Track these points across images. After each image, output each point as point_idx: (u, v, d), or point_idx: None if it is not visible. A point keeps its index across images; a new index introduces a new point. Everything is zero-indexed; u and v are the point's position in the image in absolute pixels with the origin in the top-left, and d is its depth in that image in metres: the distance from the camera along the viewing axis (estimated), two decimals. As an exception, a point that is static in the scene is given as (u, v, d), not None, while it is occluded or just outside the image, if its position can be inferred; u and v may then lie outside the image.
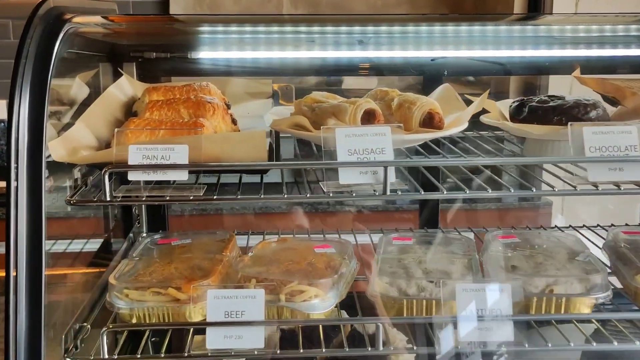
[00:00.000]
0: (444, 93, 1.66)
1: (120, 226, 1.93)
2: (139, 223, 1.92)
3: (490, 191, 1.32)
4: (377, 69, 1.83)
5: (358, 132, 1.28)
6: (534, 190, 1.34)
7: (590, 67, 2.00)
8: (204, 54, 1.80)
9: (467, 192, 1.33)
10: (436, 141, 1.60)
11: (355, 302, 1.50)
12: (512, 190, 1.33)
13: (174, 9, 4.15)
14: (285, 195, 1.28)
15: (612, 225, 1.95)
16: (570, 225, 1.98)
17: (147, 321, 1.36)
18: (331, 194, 1.28)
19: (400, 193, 1.28)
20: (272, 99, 1.78)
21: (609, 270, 1.59)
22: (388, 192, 1.27)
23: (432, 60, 1.68)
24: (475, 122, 1.61)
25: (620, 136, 1.31)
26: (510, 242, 1.61)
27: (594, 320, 1.39)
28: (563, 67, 1.98)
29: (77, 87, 1.62)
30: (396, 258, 1.54)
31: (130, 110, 1.61)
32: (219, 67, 1.82)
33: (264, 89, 1.81)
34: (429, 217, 2.02)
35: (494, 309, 1.29)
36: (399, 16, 1.81)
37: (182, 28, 1.68)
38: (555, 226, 1.98)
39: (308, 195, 1.28)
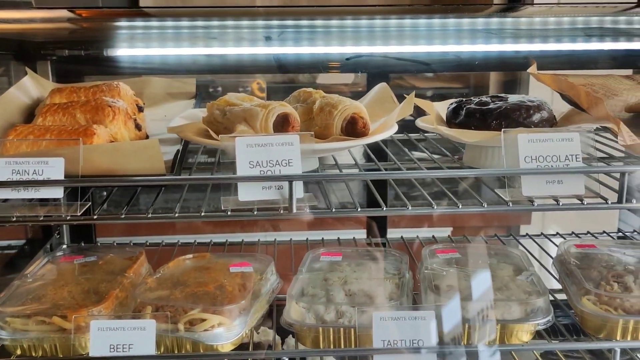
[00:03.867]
0: (380, 94, 1.50)
1: (39, 234, 1.78)
2: (58, 234, 1.77)
3: (435, 207, 1.18)
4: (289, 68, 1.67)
5: (261, 142, 1.13)
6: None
7: (562, 61, 1.87)
8: (122, 52, 1.64)
9: (409, 207, 1.19)
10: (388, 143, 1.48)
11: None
12: (460, 207, 1.17)
13: (144, 1, 3.99)
14: (177, 215, 1.13)
15: (588, 232, 1.83)
16: (542, 233, 1.85)
17: (33, 354, 1.21)
18: (229, 212, 1.12)
19: (308, 211, 1.13)
20: (195, 100, 1.62)
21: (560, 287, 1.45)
22: (294, 210, 1.12)
23: (347, 59, 1.52)
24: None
25: (560, 144, 1.16)
26: (450, 257, 1.46)
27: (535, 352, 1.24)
28: (522, 62, 1.83)
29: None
30: (321, 277, 1.39)
31: (33, 114, 1.46)
32: (138, 66, 1.67)
33: (187, 89, 1.66)
34: (378, 224, 1.88)
35: (415, 340, 1.14)
36: (310, 9, 1.66)
37: (93, 24, 1.53)
38: (527, 234, 1.84)
39: (202, 214, 1.13)
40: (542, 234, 1.85)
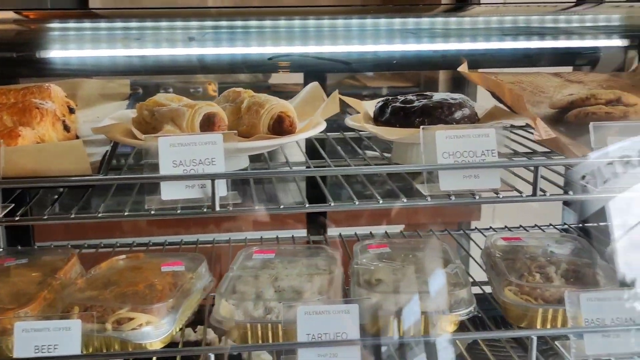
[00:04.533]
0: (311, 93, 1.53)
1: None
2: (-6, 236, 1.75)
3: (380, 202, 1.22)
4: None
5: (185, 141, 1.15)
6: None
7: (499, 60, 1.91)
8: (55, 53, 1.63)
9: (357, 202, 1.23)
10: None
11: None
12: (405, 200, 1.20)
13: (94, 2, 3.94)
14: (100, 215, 1.14)
15: (535, 225, 1.87)
16: (490, 227, 1.89)
17: (-40, 357, 1.21)
18: (152, 212, 1.14)
19: (231, 209, 1.15)
20: (128, 101, 1.62)
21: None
22: (217, 209, 1.14)
23: (268, 59, 1.54)
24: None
25: (476, 140, 1.19)
26: (381, 252, 1.49)
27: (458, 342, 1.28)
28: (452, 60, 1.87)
29: None
30: (253, 275, 1.40)
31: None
32: (72, 67, 1.65)
33: (121, 90, 1.66)
34: (319, 222, 1.91)
35: (339, 333, 1.17)
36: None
37: (34, 26, 1.52)
38: (476, 228, 1.88)
39: (125, 214, 1.14)
40: (490, 227, 1.90)
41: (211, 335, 1.63)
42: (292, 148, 1.60)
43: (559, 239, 1.58)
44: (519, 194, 1.21)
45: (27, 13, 1.71)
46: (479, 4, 3.39)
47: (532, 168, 1.22)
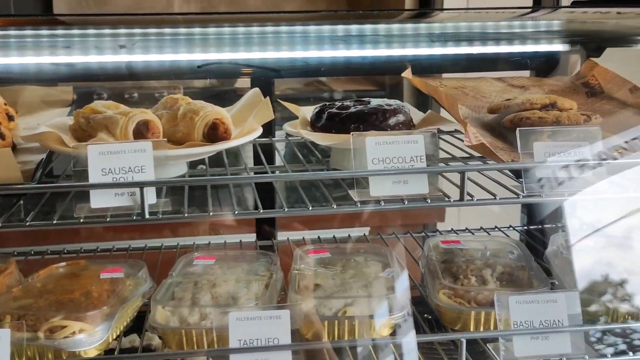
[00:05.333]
0: (252, 99, 1.54)
1: None
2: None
3: (334, 206, 1.23)
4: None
5: (114, 149, 1.15)
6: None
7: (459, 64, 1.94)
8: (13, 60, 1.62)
9: (310, 208, 1.24)
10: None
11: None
12: (359, 205, 1.21)
13: (58, 6, 3.90)
14: (28, 223, 1.14)
15: (495, 227, 1.89)
16: (437, 230, 1.92)
17: None
18: (81, 220, 1.14)
19: (160, 216, 1.15)
20: (70, 108, 1.62)
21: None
22: (147, 216, 1.14)
23: (198, 67, 1.55)
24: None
25: (405, 146, 1.21)
26: (321, 257, 1.51)
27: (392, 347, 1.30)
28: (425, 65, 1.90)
29: None
30: (192, 281, 1.41)
31: None
32: (14, 74, 1.65)
33: (64, 97, 1.65)
34: (266, 225, 1.92)
35: (271, 339, 1.18)
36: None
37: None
38: (437, 230, 1.92)
39: (54, 222, 1.14)
40: (452, 229, 1.92)
41: (156, 340, 1.63)
42: (248, 151, 1.61)
43: (499, 242, 1.61)
44: (447, 199, 1.23)
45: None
46: (442, 9, 3.42)
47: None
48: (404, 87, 3.64)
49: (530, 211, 1.99)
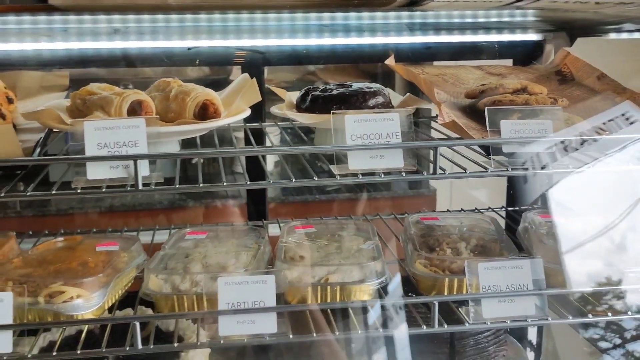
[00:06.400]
0: (241, 84, 1.62)
1: None
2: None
3: (315, 179, 1.31)
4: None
5: (109, 125, 1.23)
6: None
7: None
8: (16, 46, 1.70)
9: (294, 180, 1.32)
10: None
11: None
12: (338, 178, 1.28)
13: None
14: (29, 193, 1.22)
15: (475, 208, 1.97)
16: (420, 210, 1.99)
17: None
18: (79, 190, 1.22)
19: (153, 187, 1.24)
20: (67, 92, 1.70)
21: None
22: (140, 186, 1.23)
23: (188, 49, 1.64)
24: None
25: (381, 124, 1.30)
26: (307, 232, 1.60)
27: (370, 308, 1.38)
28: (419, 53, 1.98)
29: None
30: (184, 253, 1.50)
31: None
32: (12, 59, 1.73)
33: (60, 82, 1.73)
34: (257, 208, 2.00)
35: (257, 302, 1.27)
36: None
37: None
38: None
39: (53, 192, 1.22)
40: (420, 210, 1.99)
41: (149, 313, 1.71)
42: (240, 141, 1.67)
43: (474, 219, 1.70)
44: (421, 173, 1.32)
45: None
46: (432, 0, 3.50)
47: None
48: (396, 78, 3.74)
49: (511, 195, 2.09)
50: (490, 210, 2.01)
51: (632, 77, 1.75)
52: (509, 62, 2.08)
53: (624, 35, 1.88)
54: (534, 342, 1.95)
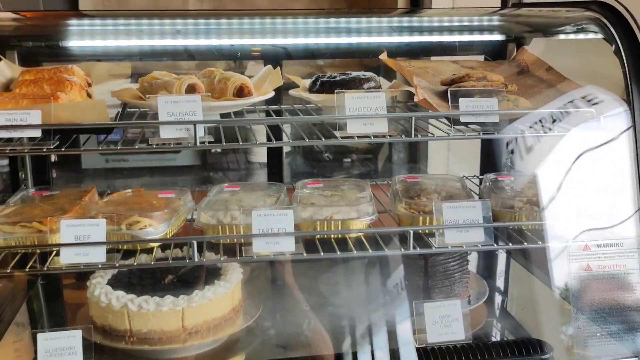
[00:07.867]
0: (267, 73, 2.10)
1: (9, 189, 2.30)
2: (25, 185, 2.30)
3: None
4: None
5: (175, 100, 1.71)
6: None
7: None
8: (73, 43, 2.18)
9: (307, 140, 1.80)
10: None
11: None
12: (340, 139, 1.76)
13: (84, 4, 4.45)
14: (119, 147, 1.70)
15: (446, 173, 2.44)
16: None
17: (19, 251, 1.76)
18: (154, 146, 1.70)
19: (207, 144, 1.72)
20: (130, 79, 2.18)
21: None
22: (197, 144, 1.70)
23: (231, 45, 2.12)
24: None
25: (372, 100, 1.77)
26: (316, 187, 2.07)
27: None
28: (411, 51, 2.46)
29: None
30: (224, 199, 1.98)
31: (8, 89, 1.99)
32: (87, 53, 2.21)
33: (124, 72, 2.22)
34: (276, 170, 2.47)
35: (280, 228, 1.74)
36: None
37: (50, 23, 2.07)
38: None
39: (136, 147, 1.70)
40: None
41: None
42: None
43: (447, 179, 2.18)
44: (400, 137, 1.80)
45: (50, 13, 2.26)
46: (430, 7, 3.98)
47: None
48: (397, 75, 4.21)
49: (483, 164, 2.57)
50: (465, 178, 2.48)
51: (573, 70, 2.22)
52: (480, 57, 2.56)
53: (571, 37, 2.36)
54: (502, 288, 2.43)
